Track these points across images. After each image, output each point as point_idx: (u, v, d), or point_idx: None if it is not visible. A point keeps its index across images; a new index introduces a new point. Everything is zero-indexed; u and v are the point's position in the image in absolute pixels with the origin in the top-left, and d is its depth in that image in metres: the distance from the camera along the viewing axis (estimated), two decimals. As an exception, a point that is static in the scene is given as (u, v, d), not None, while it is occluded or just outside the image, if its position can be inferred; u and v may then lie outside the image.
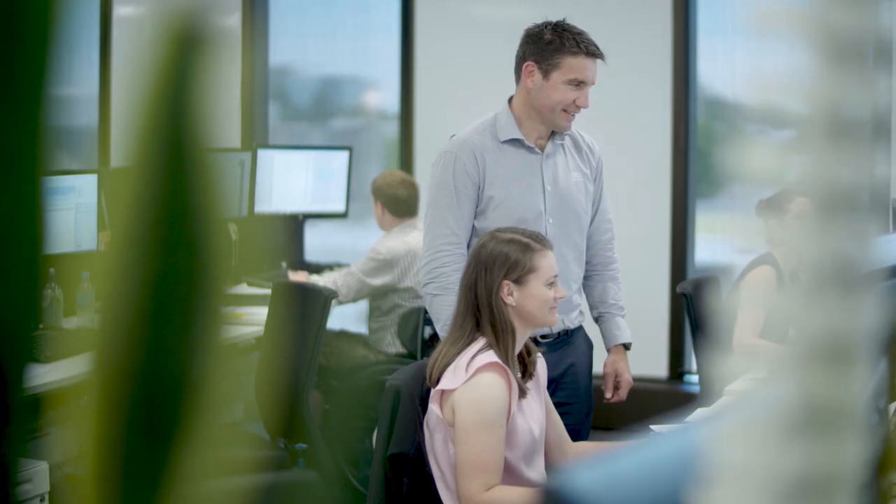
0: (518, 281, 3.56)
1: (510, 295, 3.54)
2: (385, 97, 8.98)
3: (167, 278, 0.59)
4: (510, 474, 3.50)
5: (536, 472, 3.60)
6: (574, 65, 4.19)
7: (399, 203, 6.48)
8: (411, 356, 6.28)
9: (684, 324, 7.76)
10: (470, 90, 8.32)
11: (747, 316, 5.42)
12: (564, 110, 4.20)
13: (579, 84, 4.19)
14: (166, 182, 0.57)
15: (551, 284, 3.60)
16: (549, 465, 3.71)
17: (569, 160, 4.35)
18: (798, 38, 0.76)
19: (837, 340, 0.76)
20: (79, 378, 3.90)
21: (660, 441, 1.13)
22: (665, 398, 7.79)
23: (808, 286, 0.76)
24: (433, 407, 3.52)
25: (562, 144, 4.34)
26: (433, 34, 8.47)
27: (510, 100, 4.34)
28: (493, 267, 3.55)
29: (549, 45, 4.21)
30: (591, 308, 4.65)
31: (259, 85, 8.55)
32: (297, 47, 8.88)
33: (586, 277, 4.57)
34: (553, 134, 4.31)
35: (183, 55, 0.57)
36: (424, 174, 8.04)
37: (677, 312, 7.86)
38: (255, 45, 8.34)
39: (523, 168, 4.23)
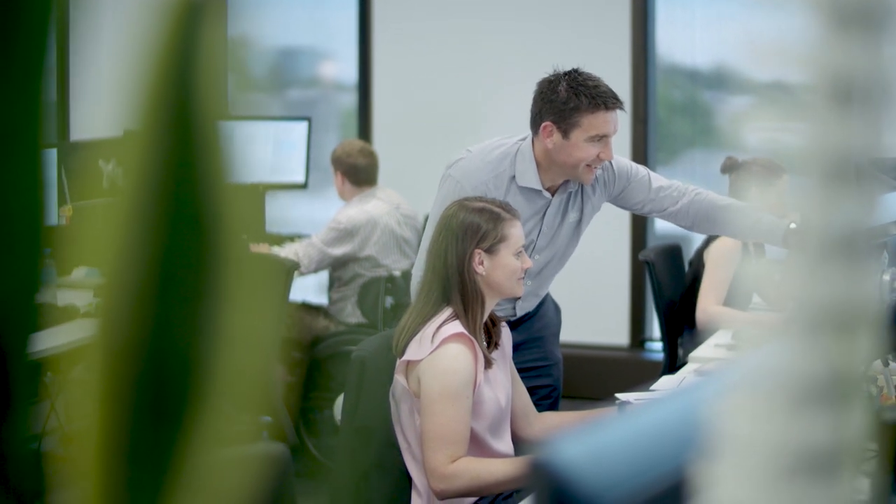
0: (489, 250, 3.54)
1: (481, 264, 3.53)
2: (341, 68, 8.94)
3: (174, 253, 0.57)
4: (476, 445, 3.49)
5: (503, 442, 3.60)
6: (594, 122, 4.02)
7: (359, 172, 6.46)
8: (372, 326, 6.28)
9: (645, 291, 7.78)
10: (428, 60, 8.30)
11: (712, 284, 5.45)
12: (588, 165, 4.07)
13: (601, 138, 4.04)
14: (173, 152, 0.55)
15: (519, 254, 3.59)
16: (515, 437, 3.71)
17: (572, 200, 4.24)
18: (802, 3, 0.75)
19: (844, 309, 0.75)
20: (42, 354, 3.86)
21: (649, 411, 1.12)
22: (627, 366, 7.81)
23: (813, 254, 0.75)
24: (399, 378, 3.51)
25: (570, 191, 4.24)
26: (391, 4, 8.43)
27: (532, 140, 4.16)
28: (465, 235, 3.53)
29: (566, 104, 4.03)
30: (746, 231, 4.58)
31: (216, 55, 8.48)
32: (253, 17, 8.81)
33: (708, 226, 4.42)
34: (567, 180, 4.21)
35: (188, 21, 0.55)
36: (383, 144, 8.05)
37: (638, 280, 7.88)
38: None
39: (529, 211, 4.11)
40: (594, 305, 7.89)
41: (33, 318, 0.59)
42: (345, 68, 8.82)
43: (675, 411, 1.10)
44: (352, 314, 6.41)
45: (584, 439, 1.04)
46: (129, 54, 0.57)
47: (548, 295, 4.50)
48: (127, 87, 0.56)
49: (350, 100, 8.74)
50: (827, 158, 0.75)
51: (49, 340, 3.75)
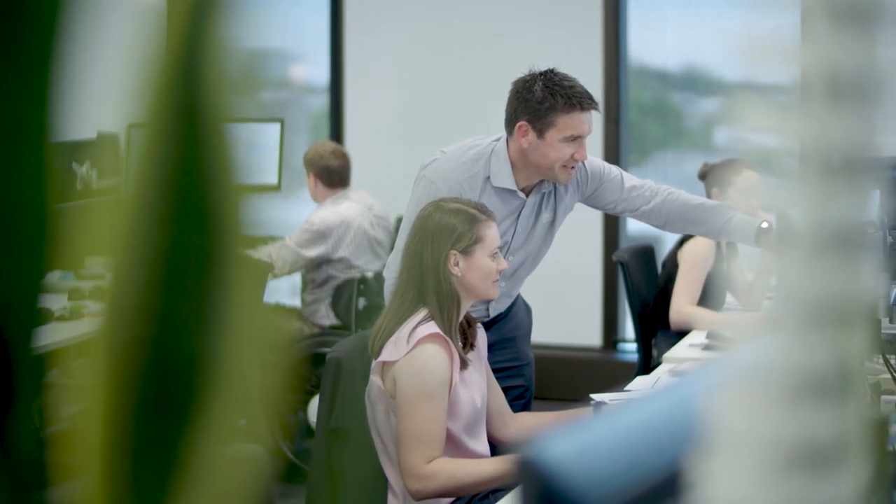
0: (465, 251, 3.54)
1: (456, 265, 3.53)
2: (312, 70, 8.94)
3: (180, 249, 0.56)
4: (452, 446, 3.49)
5: (479, 443, 3.60)
6: (569, 122, 4.03)
7: (331, 174, 6.45)
8: (345, 327, 6.28)
9: (618, 292, 7.79)
10: (400, 61, 8.30)
11: (685, 284, 5.46)
12: (563, 165, 4.07)
13: (576, 139, 4.04)
14: (179, 149, 0.55)
15: (494, 255, 3.59)
16: (490, 437, 3.71)
17: (546, 201, 4.24)
18: (796, 1, 0.75)
19: (839, 303, 0.75)
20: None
21: (635, 408, 1.12)
22: (599, 367, 7.82)
23: (807, 249, 0.75)
24: (374, 379, 3.50)
25: (545, 192, 4.23)
26: (363, 5, 8.43)
27: (507, 140, 4.16)
28: (441, 236, 3.53)
29: (542, 104, 4.03)
30: (715, 232, 4.54)
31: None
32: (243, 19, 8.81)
33: (679, 225, 4.46)
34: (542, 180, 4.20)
35: (195, 19, 0.55)
36: (354, 146, 8.05)
37: (611, 281, 7.89)
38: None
39: (504, 212, 4.09)
40: (567, 306, 7.90)
41: (37, 312, 0.59)
42: (315, 70, 8.81)
43: (662, 408, 1.10)
44: (325, 316, 6.40)
45: (571, 436, 1.04)
46: (135, 52, 0.56)
47: (518, 295, 4.50)
48: (132, 85, 0.56)
49: (320, 102, 8.73)
50: (820, 154, 0.75)
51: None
